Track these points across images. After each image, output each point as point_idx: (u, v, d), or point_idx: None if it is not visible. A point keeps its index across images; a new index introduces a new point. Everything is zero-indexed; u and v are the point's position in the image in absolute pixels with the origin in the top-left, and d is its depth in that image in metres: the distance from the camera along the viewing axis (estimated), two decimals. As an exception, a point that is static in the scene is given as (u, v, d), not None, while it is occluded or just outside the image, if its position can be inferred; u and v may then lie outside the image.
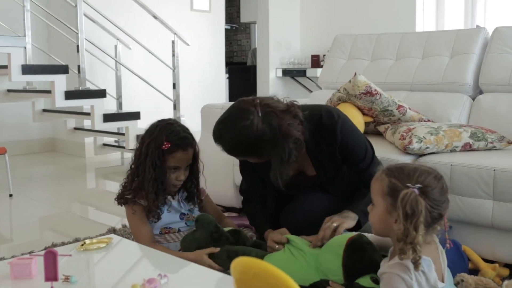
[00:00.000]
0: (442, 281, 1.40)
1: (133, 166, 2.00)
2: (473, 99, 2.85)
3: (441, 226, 1.42)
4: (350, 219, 1.83)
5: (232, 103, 1.86)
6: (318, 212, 1.90)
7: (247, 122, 1.70)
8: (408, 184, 1.35)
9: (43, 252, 1.25)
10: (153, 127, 1.99)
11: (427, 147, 2.27)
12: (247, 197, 2.19)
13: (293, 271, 1.72)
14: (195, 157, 2.03)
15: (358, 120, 2.64)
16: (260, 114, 1.71)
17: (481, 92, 2.88)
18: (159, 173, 1.92)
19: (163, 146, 1.90)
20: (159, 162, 1.91)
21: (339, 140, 1.86)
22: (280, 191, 1.95)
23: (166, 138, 1.92)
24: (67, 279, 1.27)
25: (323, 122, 1.86)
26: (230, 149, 1.80)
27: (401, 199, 1.32)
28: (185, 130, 2.01)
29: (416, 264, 1.31)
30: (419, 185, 1.34)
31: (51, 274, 1.20)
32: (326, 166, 1.92)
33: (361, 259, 1.59)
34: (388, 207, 1.40)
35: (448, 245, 1.47)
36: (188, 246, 1.89)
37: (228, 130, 1.74)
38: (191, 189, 2.07)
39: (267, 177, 1.92)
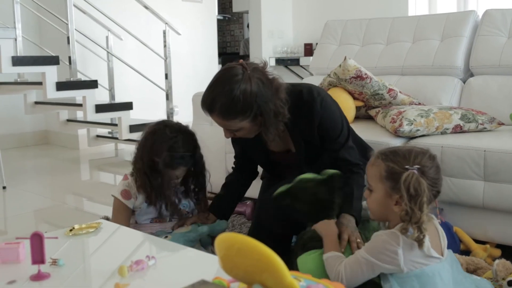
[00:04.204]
0: (442, 255, 1.41)
1: (133, 162, 1.97)
2: (464, 82, 2.86)
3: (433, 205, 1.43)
4: (351, 223, 1.73)
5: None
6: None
7: (239, 77, 1.66)
8: (407, 166, 1.36)
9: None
10: (158, 137, 1.89)
11: (418, 130, 2.27)
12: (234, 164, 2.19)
13: None
14: (197, 166, 1.98)
15: (349, 105, 2.64)
16: (249, 70, 1.68)
17: (471, 75, 2.88)
18: (155, 183, 1.90)
19: (155, 161, 1.86)
20: (155, 174, 1.88)
21: (318, 117, 1.82)
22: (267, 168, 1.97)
23: (161, 154, 1.85)
24: (54, 262, 1.27)
25: (303, 99, 1.83)
26: (225, 109, 1.69)
27: (403, 181, 1.34)
28: (189, 147, 1.91)
29: (420, 242, 1.32)
30: (417, 166, 1.36)
31: (38, 257, 1.20)
32: (302, 143, 1.88)
33: None
34: (387, 191, 1.41)
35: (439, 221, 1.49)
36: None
37: (221, 89, 1.67)
38: (188, 187, 2.04)
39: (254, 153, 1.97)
